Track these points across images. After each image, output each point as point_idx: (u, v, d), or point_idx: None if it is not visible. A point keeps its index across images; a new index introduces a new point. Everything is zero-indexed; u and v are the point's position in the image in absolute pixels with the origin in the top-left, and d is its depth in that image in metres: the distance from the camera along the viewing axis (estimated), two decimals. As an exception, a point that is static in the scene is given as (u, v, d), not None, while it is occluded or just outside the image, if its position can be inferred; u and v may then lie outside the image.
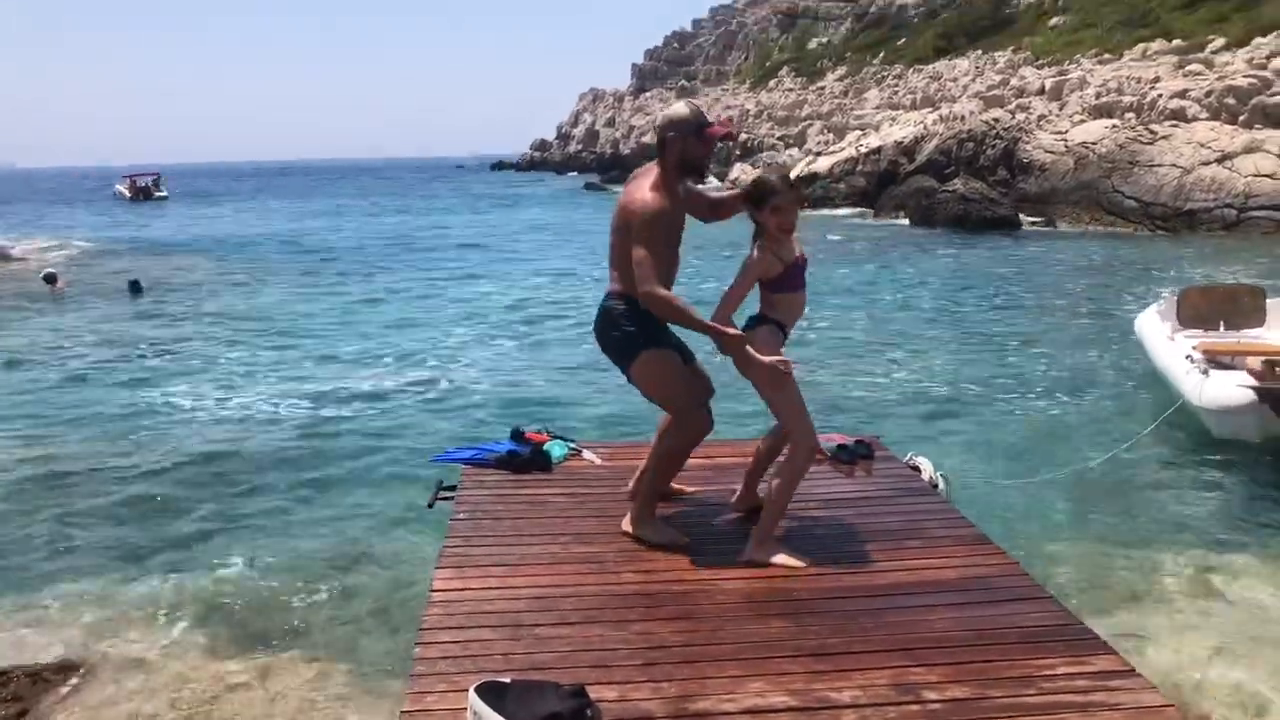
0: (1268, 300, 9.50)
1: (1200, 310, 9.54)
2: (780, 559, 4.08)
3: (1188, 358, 8.79)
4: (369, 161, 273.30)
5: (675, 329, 4.28)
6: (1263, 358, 8.53)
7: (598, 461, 5.42)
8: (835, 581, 3.96)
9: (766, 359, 4.00)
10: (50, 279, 21.72)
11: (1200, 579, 6.16)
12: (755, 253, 4.08)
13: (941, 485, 5.33)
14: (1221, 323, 9.06)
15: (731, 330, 4.01)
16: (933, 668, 3.26)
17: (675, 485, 4.79)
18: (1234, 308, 9.22)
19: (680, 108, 4.25)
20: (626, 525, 4.39)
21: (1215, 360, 8.65)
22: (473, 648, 3.39)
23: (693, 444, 4.44)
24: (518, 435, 5.58)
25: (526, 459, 5.28)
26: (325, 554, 6.77)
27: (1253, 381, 8.12)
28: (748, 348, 4.00)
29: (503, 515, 4.65)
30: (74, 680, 5.16)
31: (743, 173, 43.16)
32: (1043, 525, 6.98)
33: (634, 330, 4.22)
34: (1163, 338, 9.55)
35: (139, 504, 7.87)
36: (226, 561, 6.65)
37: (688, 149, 4.14)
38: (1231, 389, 8.06)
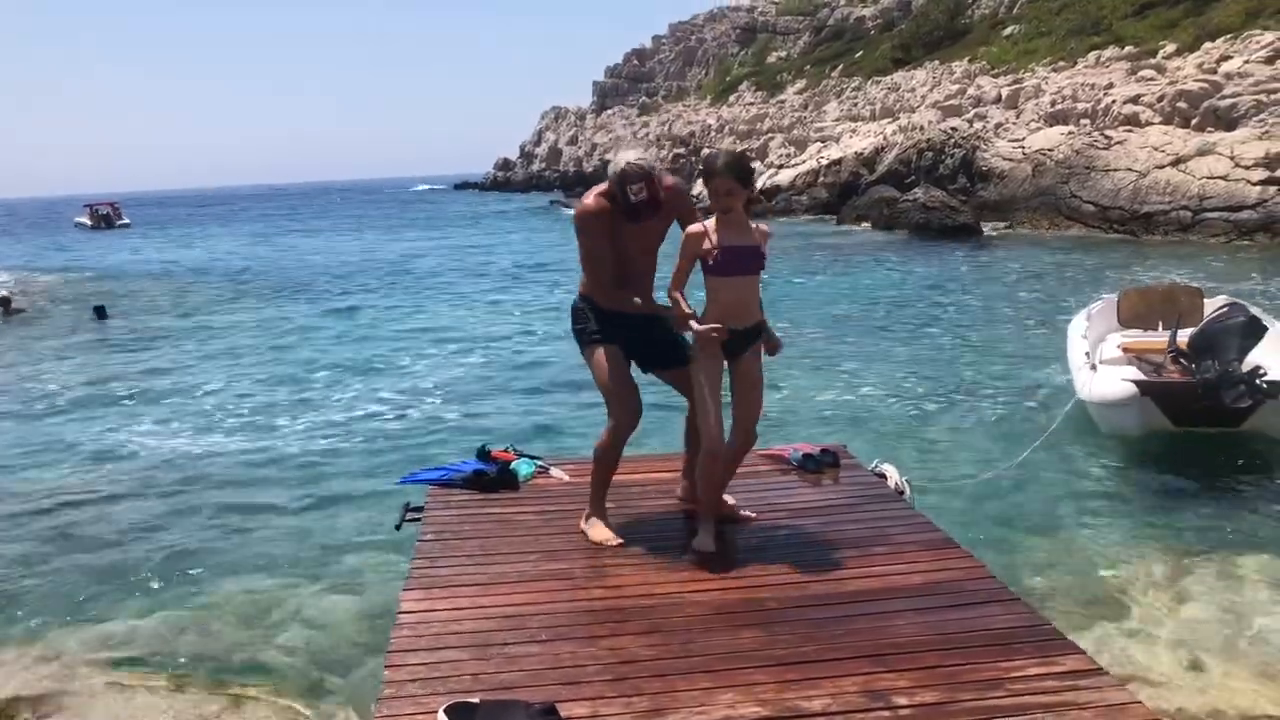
0: (1205, 300, 9.64)
1: (1139, 311, 9.69)
2: (704, 542, 4.35)
3: (1085, 354, 8.98)
4: (329, 185, 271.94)
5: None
6: (1144, 352, 8.78)
7: (565, 479, 5.41)
8: (803, 590, 3.97)
9: (700, 326, 4.22)
10: (4, 302, 21.46)
11: (1152, 575, 6.22)
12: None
13: (907, 491, 5.36)
14: (1160, 322, 9.19)
15: (664, 306, 4.37)
16: (902, 673, 3.28)
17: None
18: (1172, 307, 9.35)
19: (619, 160, 4.36)
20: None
21: (1141, 358, 8.82)
22: (442, 668, 3.37)
23: (616, 439, 4.61)
24: (484, 454, 5.56)
25: (494, 478, 5.27)
26: (291, 579, 6.70)
27: (1136, 375, 8.24)
28: (689, 322, 4.26)
29: (470, 535, 4.63)
30: (39, 715, 5.08)
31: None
32: (976, 530, 7.00)
33: (583, 326, 4.65)
34: (1076, 338, 9.73)
35: (101, 534, 7.75)
36: (190, 591, 6.57)
37: (615, 193, 4.36)
38: (1115, 383, 8.14)
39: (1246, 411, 7.71)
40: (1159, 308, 9.45)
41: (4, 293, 22.42)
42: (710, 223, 4.26)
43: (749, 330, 4.34)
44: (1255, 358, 7.95)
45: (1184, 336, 8.47)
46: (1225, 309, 8.42)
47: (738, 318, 4.29)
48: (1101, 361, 8.95)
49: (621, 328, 4.57)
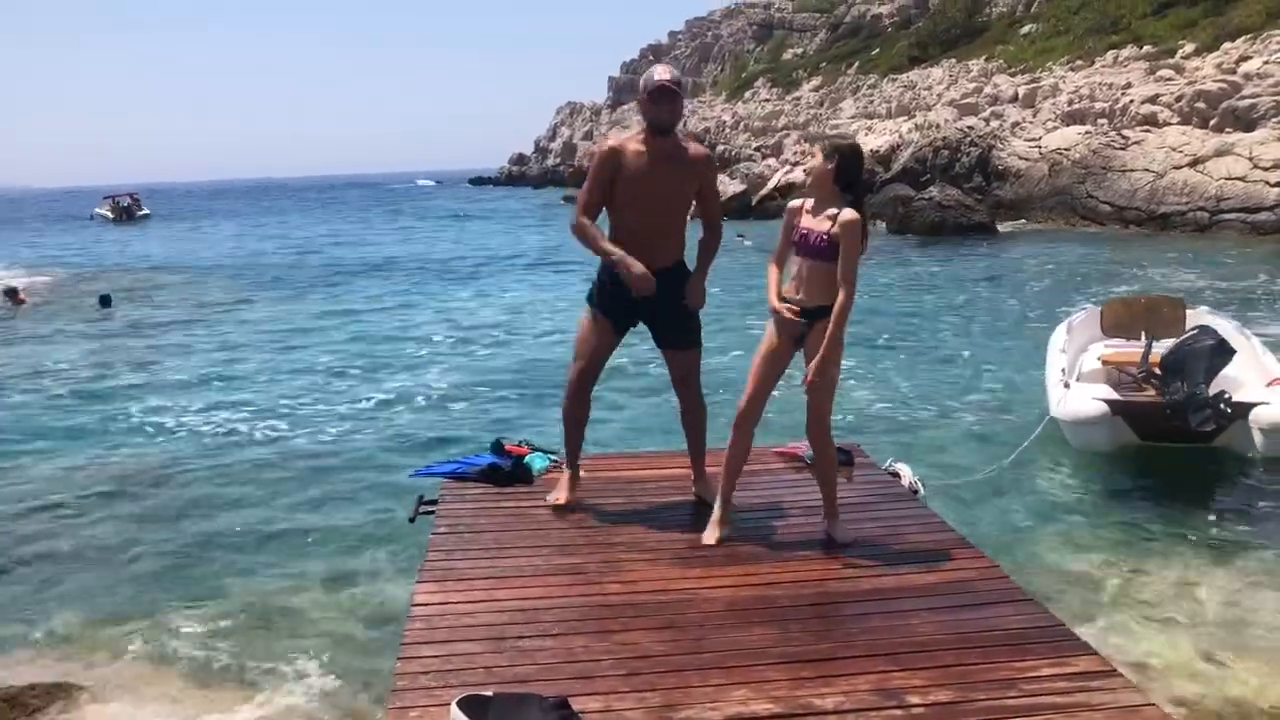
0: (1188, 310, 9.74)
1: (1122, 321, 9.79)
2: (706, 533, 4.45)
3: (1061, 370, 9.10)
4: (343, 178, 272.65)
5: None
6: (1123, 364, 8.97)
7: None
8: (818, 588, 3.97)
9: (778, 304, 4.36)
10: (11, 293, 21.67)
11: (1157, 576, 6.21)
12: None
13: (921, 490, 5.36)
14: (1143, 333, 9.26)
15: (630, 261, 4.49)
16: (915, 672, 3.28)
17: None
18: (1155, 318, 9.42)
19: (644, 78, 4.62)
20: None
21: (1121, 369, 9.02)
22: (455, 661, 3.38)
23: (567, 397, 4.91)
24: (499, 448, 5.57)
25: (508, 472, 5.28)
26: (305, 571, 6.73)
27: (1107, 394, 8.39)
28: (770, 299, 4.41)
29: (484, 528, 4.65)
30: (55, 707, 5.11)
31: (720, 185, 43.17)
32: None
33: (591, 288, 4.84)
34: (1054, 352, 9.82)
35: (107, 528, 7.76)
36: (201, 584, 6.59)
37: (642, 109, 4.63)
38: (1086, 401, 8.29)
39: (1213, 433, 7.96)
40: (1142, 318, 9.55)
41: (14, 284, 22.62)
42: (809, 201, 4.39)
43: (812, 310, 4.32)
44: (1225, 376, 8.22)
45: (1158, 352, 8.67)
46: (1195, 331, 8.69)
47: (803, 293, 4.33)
48: (1081, 373, 9.12)
49: (607, 295, 4.72)
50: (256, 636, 5.81)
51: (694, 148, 4.72)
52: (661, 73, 4.56)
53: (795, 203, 4.45)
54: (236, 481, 8.86)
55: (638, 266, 4.47)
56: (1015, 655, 3.39)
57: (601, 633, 3.60)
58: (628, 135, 4.69)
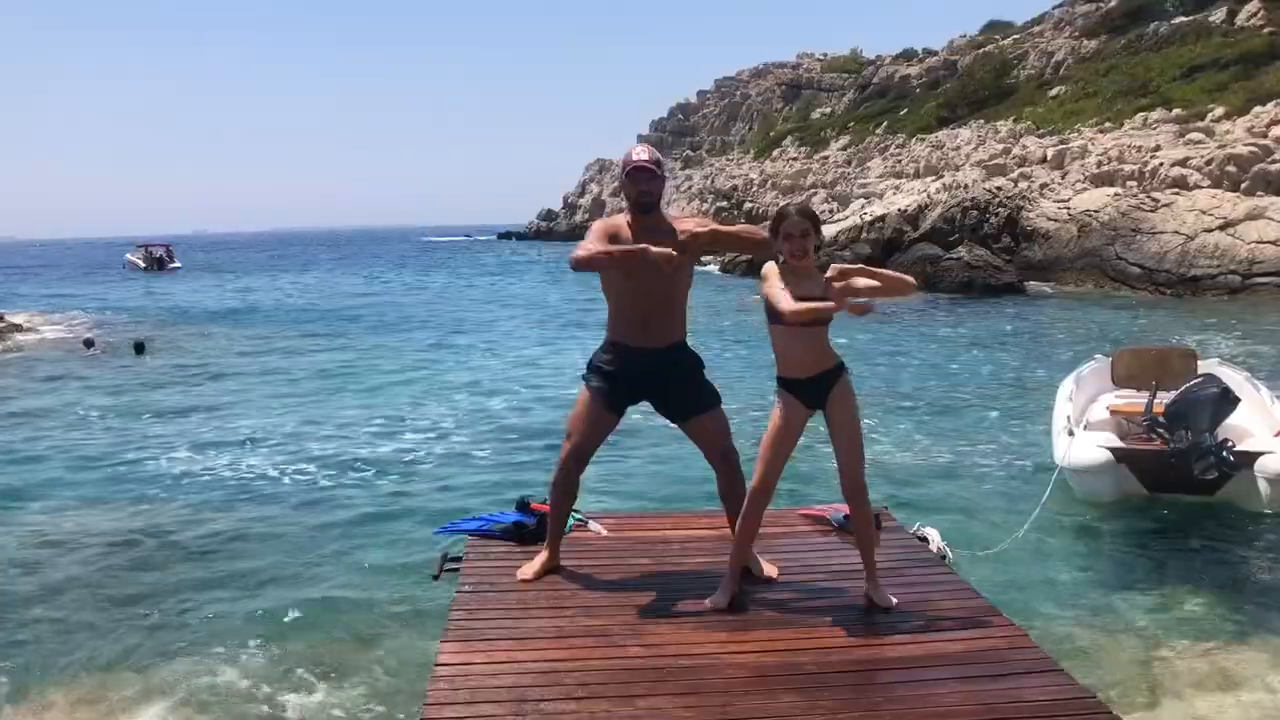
0: (1200, 362, 9.67)
1: (1132, 371, 9.77)
2: (716, 598, 4.37)
3: (1067, 418, 9.10)
4: (372, 231, 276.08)
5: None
6: (1132, 414, 8.97)
7: (604, 533, 5.40)
8: (844, 655, 3.92)
9: (656, 250, 4.23)
10: (89, 343, 22.61)
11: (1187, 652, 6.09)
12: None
13: (949, 556, 5.30)
14: (1154, 382, 9.20)
15: (641, 246, 4.31)
16: (943, 744, 3.22)
17: (764, 567, 4.77)
18: (1165, 370, 9.38)
19: (623, 158, 4.64)
20: None
21: (1129, 419, 9.03)
22: (478, 723, 3.36)
23: (558, 473, 4.78)
24: (524, 506, 5.55)
25: (533, 530, 5.26)
26: (329, 625, 6.71)
27: (1112, 442, 8.42)
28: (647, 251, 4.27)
29: (508, 588, 4.63)
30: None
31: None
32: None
33: (588, 366, 4.79)
34: (1062, 401, 9.77)
35: (131, 576, 7.78)
36: (222, 639, 6.57)
37: (623, 188, 4.61)
38: (1091, 450, 8.31)
39: (1218, 482, 7.96)
40: (1152, 368, 9.52)
41: (89, 335, 23.76)
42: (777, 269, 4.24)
43: (820, 377, 4.30)
44: (1231, 426, 8.26)
45: (1162, 402, 8.65)
46: (1201, 379, 8.69)
47: (803, 367, 4.29)
48: (1090, 422, 9.15)
49: (636, 377, 4.64)
50: (279, 690, 5.79)
51: (684, 222, 4.59)
52: (639, 153, 4.59)
53: (771, 265, 4.28)
54: (261, 533, 8.88)
55: (652, 248, 4.28)
56: (1045, 728, 3.33)
57: (625, 697, 3.57)
58: (617, 216, 4.68)
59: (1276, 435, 8.40)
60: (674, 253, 4.29)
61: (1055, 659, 4.01)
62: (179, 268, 68.49)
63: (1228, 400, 8.21)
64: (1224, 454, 7.84)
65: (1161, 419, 8.46)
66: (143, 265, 67.70)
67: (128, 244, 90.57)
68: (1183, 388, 8.54)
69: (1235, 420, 8.38)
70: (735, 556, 4.48)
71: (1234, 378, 9.25)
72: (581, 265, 4.46)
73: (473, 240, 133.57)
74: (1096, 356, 11.07)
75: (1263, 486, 7.96)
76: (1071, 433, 8.71)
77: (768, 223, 4.42)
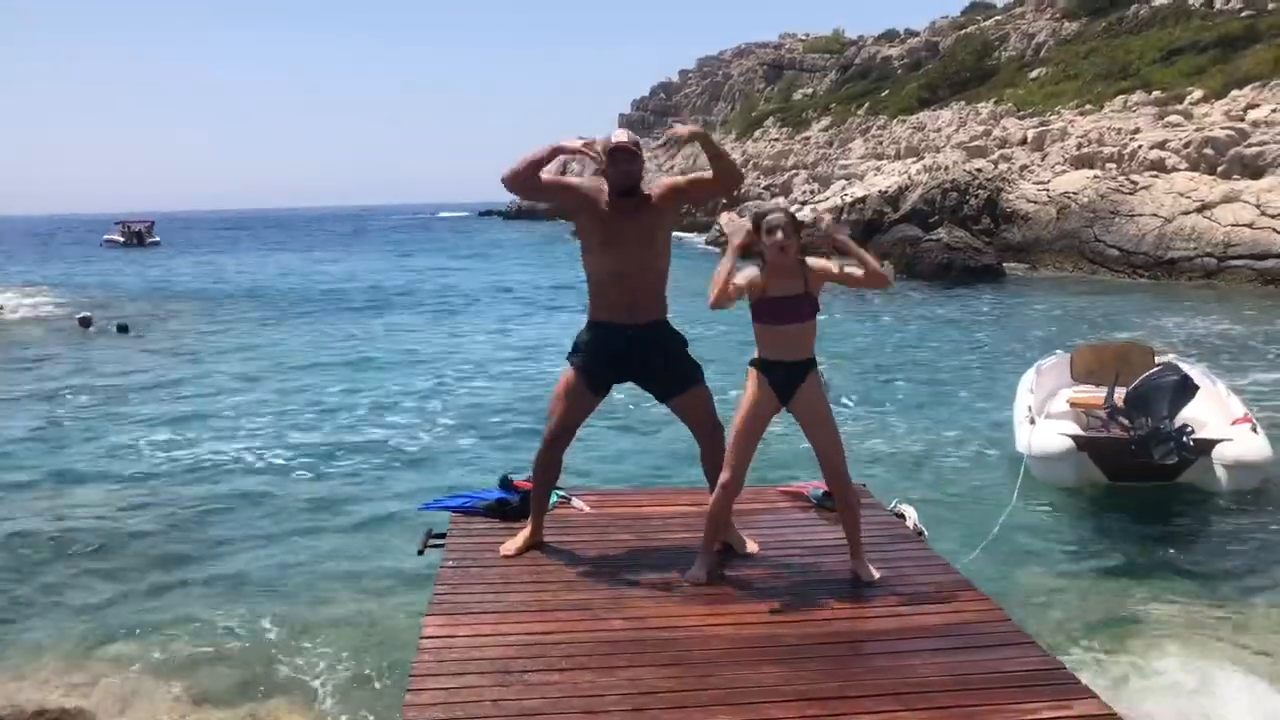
0: (1157, 358, 9.86)
1: (1092, 367, 9.96)
2: (694, 573, 4.41)
3: (1028, 408, 9.34)
4: (348, 210, 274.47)
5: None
6: (1090, 407, 9.21)
7: (586, 509, 5.46)
8: (823, 627, 4.00)
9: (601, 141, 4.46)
10: (85, 321, 22.64)
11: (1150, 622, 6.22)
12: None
13: (925, 532, 5.38)
14: (1115, 377, 9.36)
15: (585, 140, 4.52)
16: (919, 712, 3.30)
17: (745, 542, 4.84)
18: (1125, 365, 9.55)
19: (603, 141, 4.64)
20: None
21: (1088, 412, 9.25)
22: (463, 694, 3.42)
23: (537, 455, 4.83)
24: (506, 483, 5.60)
25: (515, 507, 5.31)
26: (313, 602, 6.77)
27: (1072, 430, 8.66)
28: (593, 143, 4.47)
29: (492, 563, 4.68)
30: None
31: (729, 220, 43.44)
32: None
33: (573, 345, 4.80)
34: (1023, 392, 9.94)
35: (121, 556, 7.81)
36: (212, 613, 6.63)
37: (604, 172, 4.62)
38: (1052, 437, 8.55)
39: (1177, 467, 8.18)
40: (1112, 364, 9.70)
41: (86, 313, 23.63)
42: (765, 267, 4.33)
43: (795, 366, 4.37)
44: (1189, 415, 8.43)
45: (1121, 394, 8.82)
46: (1160, 368, 8.86)
47: (782, 351, 4.37)
48: (1049, 414, 9.36)
49: (617, 357, 4.67)
50: (262, 664, 5.85)
51: (656, 189, 4.65)
52: (619, 135, 4.63)
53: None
54: (244, 510, 8.92)
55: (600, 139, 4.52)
56: (1017, 698, 3.41)
57: (608, 668, 3.63)
58: (599, 184, 4.67)
59: (1233, 424, 8.61)
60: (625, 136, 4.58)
61: (1027, 631, 4.10)
62: (158, 242, 68.09)
63: (1187, 388, 8.36)
64: (1184, 439, 8.01)
65: (1122, 408, 8.61)
66: (121, 240, 67.26)
67: (76, 222, 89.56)
68: (1144, 376, 8.69)
69: (1192, 411, 8.57)
70: (708, 537, 4.55)
71: (1191, 370, 9.43)
72: (516, 174, 4.58)
73: (436, 218, 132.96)
74: (1057, 352, 11.27)
75: (1220, 472, 8.21)
76: (1033, 421, 8.88)
77: (745, 207, 4.51)
